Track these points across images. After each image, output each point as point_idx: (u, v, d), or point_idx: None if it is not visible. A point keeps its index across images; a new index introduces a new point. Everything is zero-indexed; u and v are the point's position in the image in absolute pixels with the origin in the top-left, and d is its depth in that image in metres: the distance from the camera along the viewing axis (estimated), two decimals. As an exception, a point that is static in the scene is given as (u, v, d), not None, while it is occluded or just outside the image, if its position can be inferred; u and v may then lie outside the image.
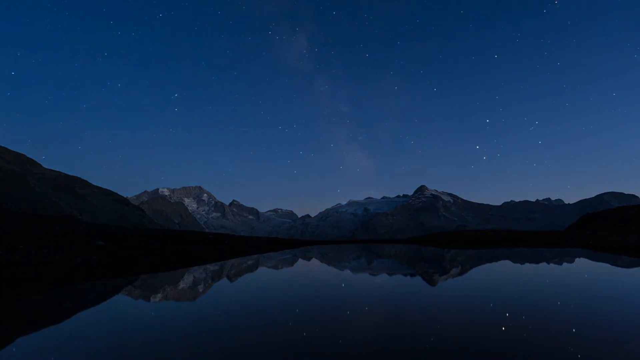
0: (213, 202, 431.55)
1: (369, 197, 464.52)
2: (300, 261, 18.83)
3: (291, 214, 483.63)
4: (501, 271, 12.44)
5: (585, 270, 12.54)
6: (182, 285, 10.15)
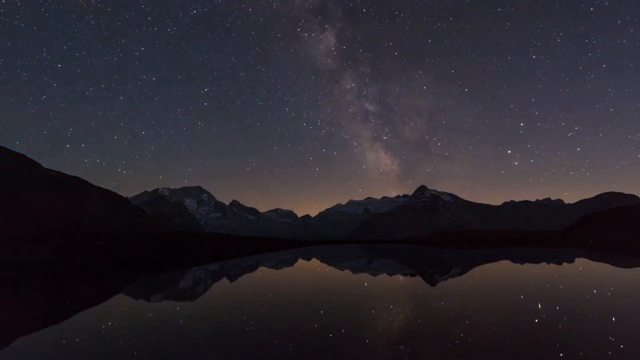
0: (213, 202, 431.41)
1: (369, 197, 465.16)
2: (300, 262, 18.84)
3: (291, 214, 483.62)
4: (501, 272, 12.44)
5: (585, 271, 12.54)
6: (182, 285, 10.16)
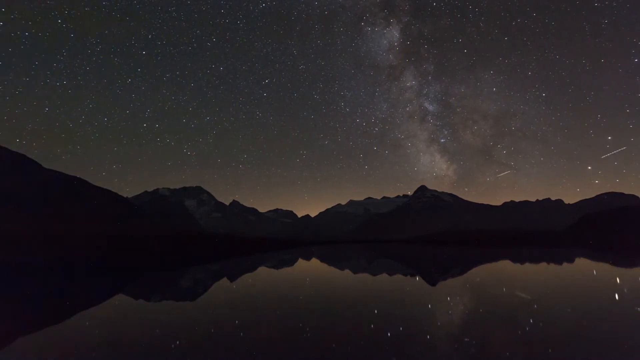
0: (213, 202, 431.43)
1: (369, 197, 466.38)
2: (300, 262, 18.83)
3: (291, 214, 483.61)
4: (501, 272, 12.43)
5: (585, 271, 12.52)
6: (182, 284, 10.16)
